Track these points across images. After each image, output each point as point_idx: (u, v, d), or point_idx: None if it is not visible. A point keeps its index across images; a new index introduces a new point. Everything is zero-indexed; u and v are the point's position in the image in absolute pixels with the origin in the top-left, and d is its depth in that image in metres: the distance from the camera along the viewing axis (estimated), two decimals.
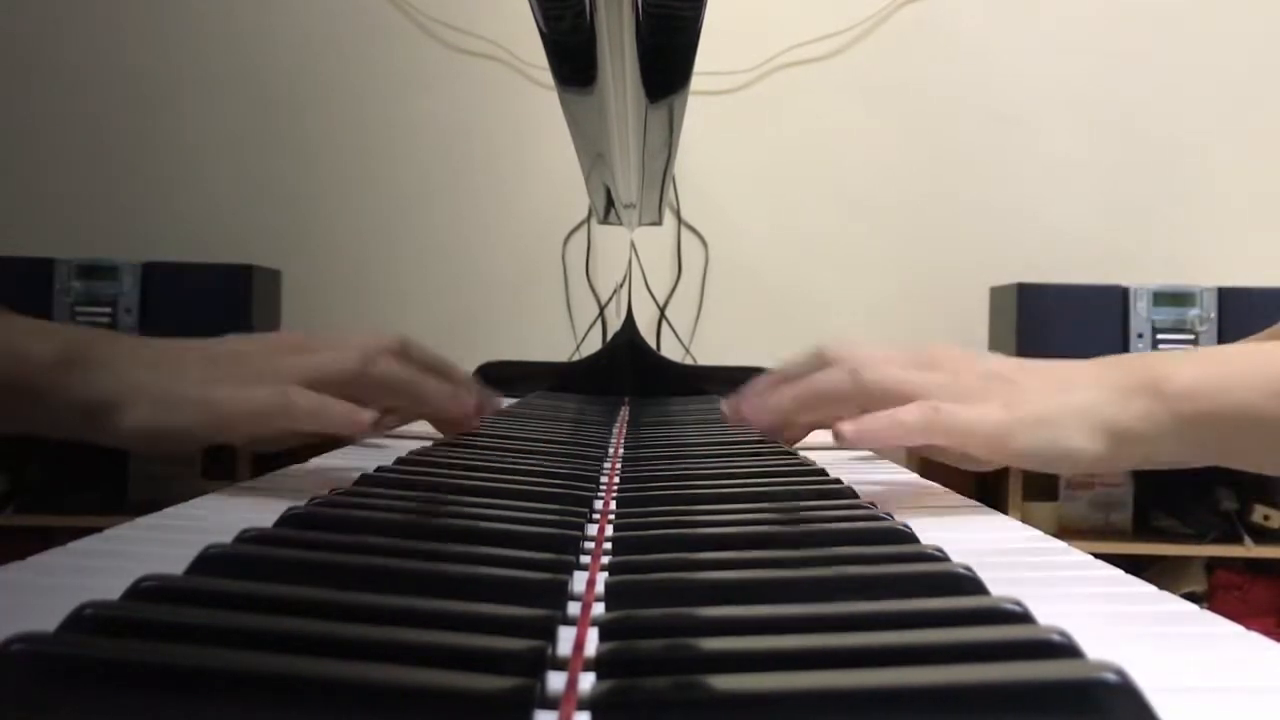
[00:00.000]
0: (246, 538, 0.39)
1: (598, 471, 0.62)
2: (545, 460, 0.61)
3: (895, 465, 0.76)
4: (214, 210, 2.38)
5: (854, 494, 0.51)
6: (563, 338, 2.26)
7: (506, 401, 1.06)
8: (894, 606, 0.32)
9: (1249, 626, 0.32)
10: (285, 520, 0.42)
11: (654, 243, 2.31)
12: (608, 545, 0.44)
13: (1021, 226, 2.38)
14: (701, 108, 2.23)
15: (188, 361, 0.55)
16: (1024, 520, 0.55)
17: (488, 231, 2.38)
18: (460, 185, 2.39)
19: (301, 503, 0.45)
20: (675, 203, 2.33)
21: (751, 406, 0.56)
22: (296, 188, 2.39)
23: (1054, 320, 2.10)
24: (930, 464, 0.67)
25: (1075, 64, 2.39)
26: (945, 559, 0.38)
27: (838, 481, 0.53)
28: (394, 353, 0.56)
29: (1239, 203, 2.39)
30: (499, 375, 1.27)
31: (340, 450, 0.73)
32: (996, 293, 2.26)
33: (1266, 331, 0.66)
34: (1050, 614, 0.31)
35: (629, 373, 1.36)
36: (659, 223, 1.32)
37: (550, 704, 0.26)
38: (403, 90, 2.39)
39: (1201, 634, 0.34)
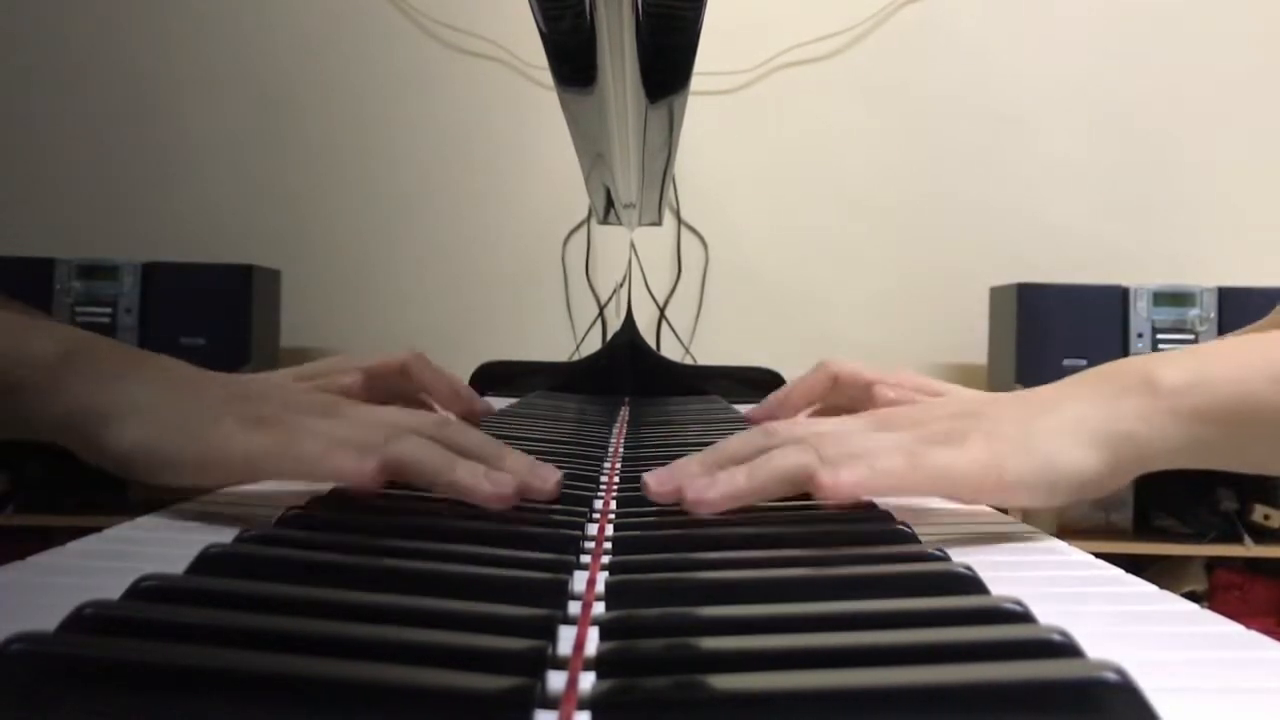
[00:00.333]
0: (246, 538, 0.39)
1: (598, 471, 0.62)
2: (546, 460, 0.61)
3: None
4: (214, 210, 2.39)
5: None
6: (563, 338, 2.26)
7: (506, 402, 1.06)
8: (894, 606, 0.32)
9: (1249, 626, 0.32)
10: (285, 520, 0.42)
11: (654, 243, 2.31)
12: (608, 545, 0.44)
13: (1021, 226, 2.38)
14: (701, 108, 2.23)
15: (203, 390, 0.51)
16: (1024, 520, 0.55)
17: (488, 231, 2.38)
18: (460, 185, 2.39)
19: (301, 502, 0.45)
20: (675, 203, 2.33)
21: (696, 491, 0.46)
22: (296, 188, 2.39)
23: (1054, 320, 2.10)
24: None
25: (1075, 64, 2.39)
26: (946, 558, 0.38)
27: None
28: (426, 430, 0.49)
29: (1239, 203, 2.39)
30: (499, 375, 1.27)
31: None
32: (996, 293, 2.26)
33: (1263, 320, 0.64)
34: (1050, 613, 0.31)
35: (629, 373, 1.36)
36: (659, 223, 1.32)
37: (550, 704, 0.26)
38: (403, 91, 2.39)
39: (1201, 634, 0.33)
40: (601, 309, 2.29)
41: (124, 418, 0.49)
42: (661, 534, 0.44)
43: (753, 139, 2.39)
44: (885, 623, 0.30)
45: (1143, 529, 2.14)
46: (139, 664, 0.24)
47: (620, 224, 1.32)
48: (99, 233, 2.33)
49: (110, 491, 2.05)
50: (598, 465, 0.65)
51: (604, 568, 0.39)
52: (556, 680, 0.27)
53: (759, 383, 1.25)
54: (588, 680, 0.27)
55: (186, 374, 0.53)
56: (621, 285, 1.54)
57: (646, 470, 0.49)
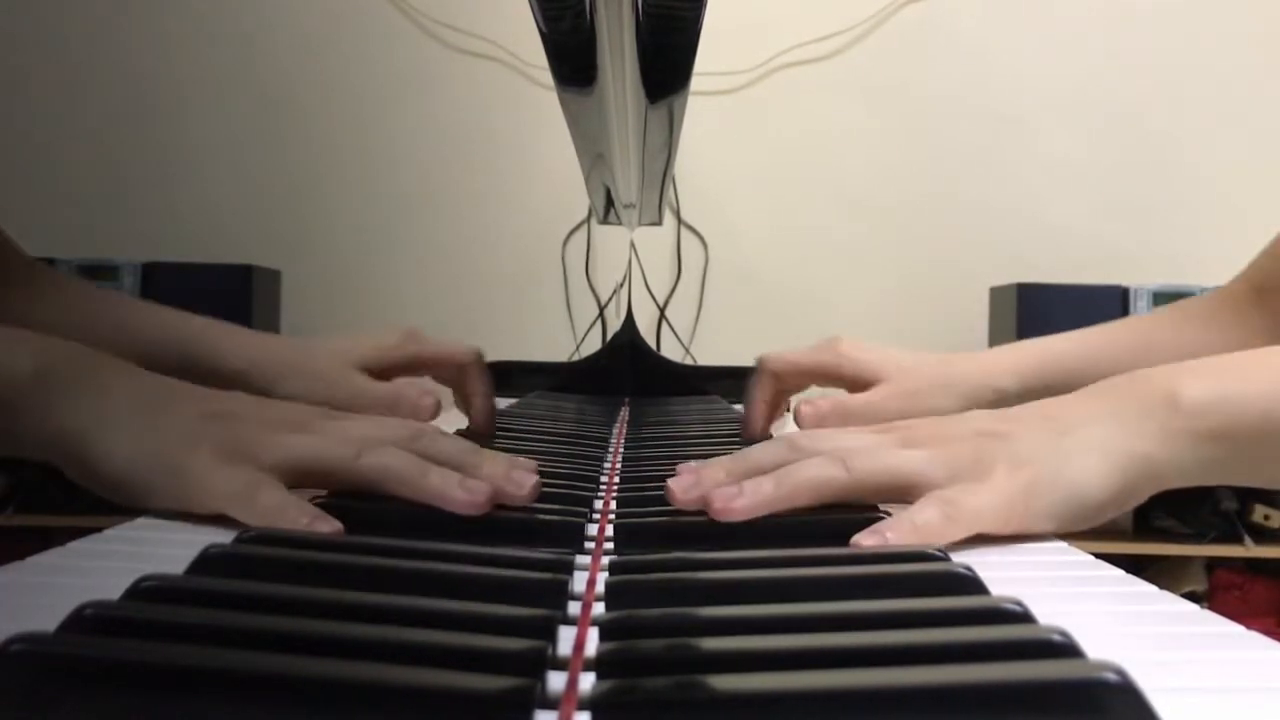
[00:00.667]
0: (246, 538, 0.39)
1: (598, 471, 0.62)
2: (545, 460, 0.61)
3: None
4: (214, 210, 2.38)
5: None
6: (563, 338, 2.26)
7: (507, 402, 1.06)
8: (894, 606, 0.32)
9: (1249, 626, 0.32)
10: None
11: (654, 243, 2.31)
12: (608, 545, 0.44)
13: (1021, 226, 2.38)
14: (701, 108, 2.23)
15: (178, 410, 0.50)
16: None
17: (488, 231, 2.38)
18: (460, 185, 2.39)
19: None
20: (675, 203, 2.33)
21: (723, 499, 0.46)
22: (296, 188, 2.39)
23: (1054, 320, 2.09)
24: None
25: (1075, 64, 2.39)
26: (946, 559, 0.38)
27: None
28: (401, 443, 0.49)
29: (1239, 203, 2.39)
30: (499, 375, 1.27)
31: None
32: (996, 293, 2.26)
33: (1116, 322, 0.61)
34: (1051, 614, 0.31)
35: (629, 373, 1.36)
36: (659, 223, 1.32)
37: (550, 704, 0.26)
38: (403, 91, 2.39)
39: (1202, 634, 0.33)
40: (601, 309, 2.29)
41: (99, 440, 0.48)
42: (661, 534, 0.44)
43: (753, 139, 2.39)
44: (885, 623, 0.30)
45: (1143, 529, 2.14)
46: (139, 664, 0.24)
47: (620, 224, 1.32)
48: (99, 233, 2.33)
49: None
50: (598, 465, 0.65)
51: (604, 568, 0.39)
52: (556, 680, 0.27)
53: None
54: (588, 681, 0.27)
55: (159, 389, 0.52)
56: (621, 285, 1.54)
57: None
